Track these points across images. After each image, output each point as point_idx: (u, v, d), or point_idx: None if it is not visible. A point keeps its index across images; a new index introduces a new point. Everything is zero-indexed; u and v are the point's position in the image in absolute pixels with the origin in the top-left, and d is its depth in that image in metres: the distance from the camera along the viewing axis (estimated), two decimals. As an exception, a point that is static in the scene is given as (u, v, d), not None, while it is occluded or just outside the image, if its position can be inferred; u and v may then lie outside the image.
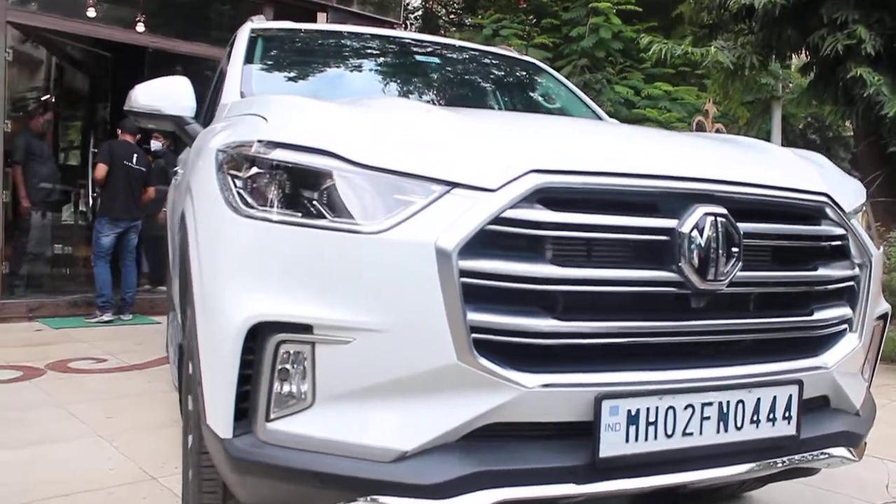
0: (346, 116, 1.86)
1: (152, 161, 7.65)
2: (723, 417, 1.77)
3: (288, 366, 1.68)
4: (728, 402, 1.77)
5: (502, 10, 12.64)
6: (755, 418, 1.81)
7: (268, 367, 1.67)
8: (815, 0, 6.46)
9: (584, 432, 1.66)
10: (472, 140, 1.77)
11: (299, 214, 1.69)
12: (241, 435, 1.71)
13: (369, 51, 3.59)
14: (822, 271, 1.97)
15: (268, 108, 2.00)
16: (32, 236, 7.88)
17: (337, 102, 2.05)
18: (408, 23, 20.73)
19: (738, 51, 6.94)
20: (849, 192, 2.18)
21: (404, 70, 3.46)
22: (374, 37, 3.74)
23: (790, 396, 1.84)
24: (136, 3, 8.44)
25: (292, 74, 3.26)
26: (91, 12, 8.07)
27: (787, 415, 1.84)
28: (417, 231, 1.60)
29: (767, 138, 11.06)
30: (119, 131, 7.21)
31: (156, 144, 8.20)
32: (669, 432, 1.71)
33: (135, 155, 7.05)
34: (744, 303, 1.88)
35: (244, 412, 1.72)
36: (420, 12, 20.55)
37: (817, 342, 1.98)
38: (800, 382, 1.86)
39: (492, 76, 3.85)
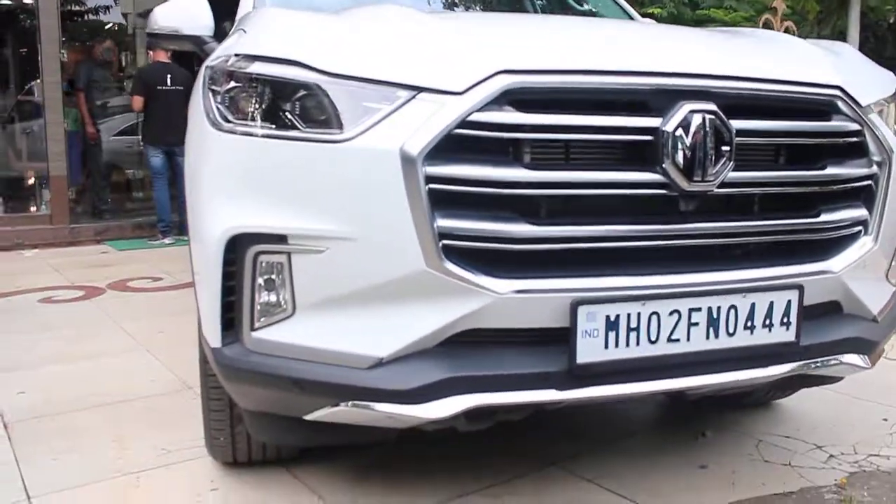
0: (319, 27, 1.83)
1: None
2: (713, 323, 1.71)
3: (268, 276, 1.70)
4: (719, 308, 1.71)
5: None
6: (749, 324, 1.74)
7: (248, 278, 1.70)
8: None
9: (564, 338, 1.63)
10: (440, 43, 1.71)
11: (273, 126, 1.68)
12: (230, 344, 1.76)
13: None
14: (833, 170, 1.85)
15: (249, 21, 1.99)
16: (98, 162, 8.13)
17: (320, 14, 2.02)
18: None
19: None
20: (870, 83, 2.03)
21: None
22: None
23: (789, 302, 1.77)
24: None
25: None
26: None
27: (785, 321, 1.77)
28: (383, 137, 1.58)
29: (843, 37, 10.39)
30: (150, 52, 7.13)
31: None
32: (653, 338, 1.67)
33: (168, 76, 6.91)
34: (739, 205, 1.79)
35: (231, 322, 1.76)
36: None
37: (824, 245, 1.87)
38: (800, 287, 1.78)
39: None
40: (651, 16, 10.92)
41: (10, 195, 8.05)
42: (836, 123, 1.85)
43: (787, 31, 9.90)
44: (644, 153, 1.65)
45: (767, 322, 1.76)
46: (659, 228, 1.68)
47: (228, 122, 1.74)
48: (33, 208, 7.74)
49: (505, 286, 1.59)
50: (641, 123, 1.64)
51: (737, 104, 1.72)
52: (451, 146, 1.56)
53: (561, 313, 1.62)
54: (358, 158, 1.59)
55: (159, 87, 6.87)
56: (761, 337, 1.76)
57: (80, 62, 8.09)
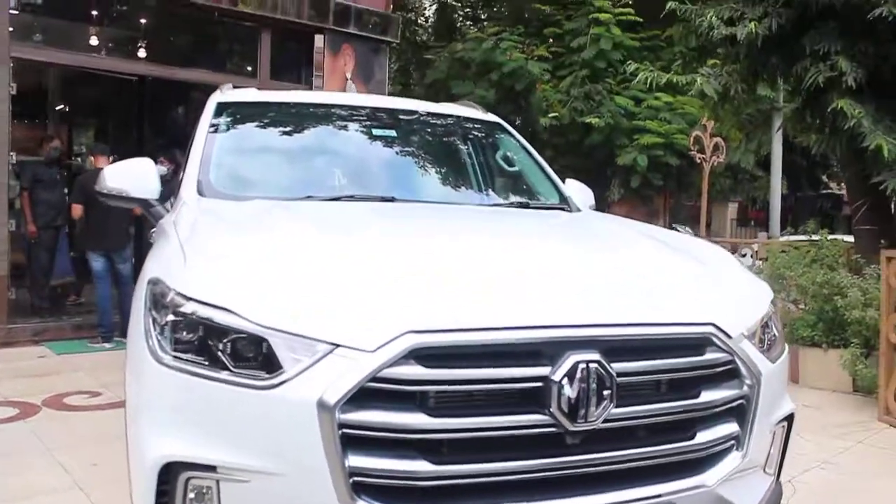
0: (250, 269, 2.04)
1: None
2: (592, 542, 1.92)
3: (197, 493, 1.88)
4: (602, 529, 1.93)
5: (506, 19, 12.75)
6: (625, 540, 1.95)
7: (180, 497, 1.88)
8: (799, 30, 6.48)
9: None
10: (357, 300, 1.93)
11: (206, 364, 1.88)
12: None
13: (328, 125, 3.75)
14: (707, 396, 2.08)
15: (190, 242, 2.20)
16: (38, 261, 8.14)
17: (252, 231, 2.25)
18: (421, 19, 20.75)
19: (724, 78, 6.96)
20: (743, 309, 2.29)
21: (361, 149, 3.62)
22: (335, 106, 3.90)
23: (659, 518, 1.98)
24: (137, 31, 8.66)
25: (249, 160, 3.42)
26: (94, 41, 8.29)
27: (657, 534, 1.99)
28: (303, 387, 1.79)
29: (769, 146, 11.07)
30: (92, 158, 7.26)
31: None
32: (536, 557, 1.87)
33: None
34: (620, 435, 2.00)
35: (165, 532, 1.92)
36: (435, 6, 20.56)
37: (698, 462, 2.09)
38: None
39: (452, 143, 4.00)
40: (589, 126, 11.56)
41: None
42: (709, 356, 2.09)
43: (716, 146, 10.57)
44: (535, 398, 1.87)
45: (642, 537, 1.97)
46: (547, 462, 1.90)
47: (166, 353, 1.93)
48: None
49: (409, 518, 1.79)
50: (532, 373, 1.87)
51: (619, 347, 1.97)
52: (363, 396, 1.77)
53: (458, 538, 1.82)
54: (281, 405, 1.79)
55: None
56: (635, 551, 1.97)
57: (23, 161, 8.18)
